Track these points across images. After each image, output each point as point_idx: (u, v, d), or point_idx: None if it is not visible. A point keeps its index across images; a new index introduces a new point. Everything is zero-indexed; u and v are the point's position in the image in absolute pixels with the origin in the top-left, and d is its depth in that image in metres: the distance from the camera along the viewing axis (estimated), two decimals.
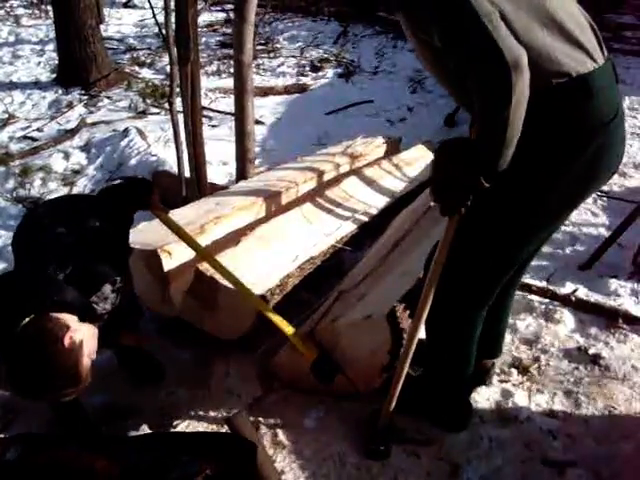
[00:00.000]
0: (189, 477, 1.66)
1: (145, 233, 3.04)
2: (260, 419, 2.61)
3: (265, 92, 7.06)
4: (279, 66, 7.97)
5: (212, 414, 2.62)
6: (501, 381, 2.88)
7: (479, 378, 2.76)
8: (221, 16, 9.85)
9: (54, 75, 7.41)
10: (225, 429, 2.39)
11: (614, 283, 3.56)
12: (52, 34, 7.74)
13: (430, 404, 2.59)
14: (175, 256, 2.94)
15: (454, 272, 2.11)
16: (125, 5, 10.63)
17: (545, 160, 1.90)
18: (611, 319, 3.27)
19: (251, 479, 1.88)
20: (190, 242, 2.55)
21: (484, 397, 2.78)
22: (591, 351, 3.06)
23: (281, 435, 2.53)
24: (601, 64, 1.88)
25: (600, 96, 1.85)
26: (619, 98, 1.98)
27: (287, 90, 7.22)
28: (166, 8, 3.64)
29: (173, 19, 3.61)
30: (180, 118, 3.92)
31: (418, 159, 4.85)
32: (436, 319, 2.26)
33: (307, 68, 7.90)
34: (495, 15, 1.66)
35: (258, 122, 6.01)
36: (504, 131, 1.70)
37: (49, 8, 8.30)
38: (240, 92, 3.81)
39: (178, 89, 3.82)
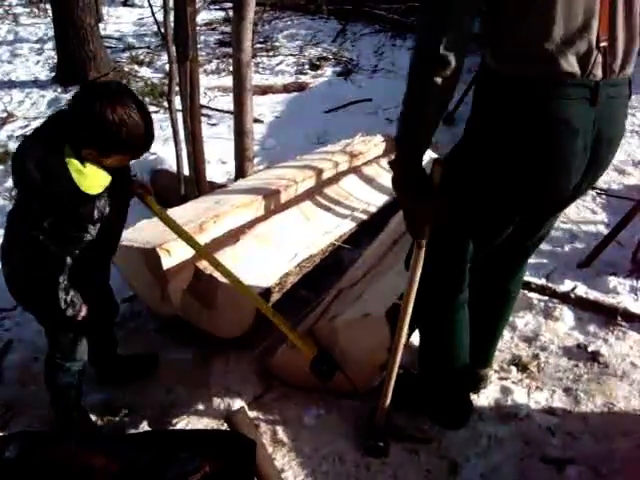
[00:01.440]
0: (188, 474, 1.66)
1: (144, 231, 3.04)
2: (260, 417, 2.61)
3: (264, 91, 7.05)
4: (278, 64, 7.95)
5: (211, 412, 2.62)
6: (500, 378, 2.88)
7: (474, 386, 2.76)
8: (220, 15, 9.82)
9: (53, 74, 7.40)
10: (225, 426, 2.39)
11: (613, 280, 3.56)
12: (51, 33, 7.73)
13: (428, 402, 2.59)
14: (174, 254, 2.94)
15: (429, 251, 2.09)
16: (124, 4, 10.60)
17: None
18: (610, 316, 3.27)
19: (250, 476, 1.87)
20: (184, 236, 2.54)
21: (483, 395, 2.78)
22: (590, 348, 3.07)
23: (281, 433, 2.53)
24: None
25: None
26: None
27: (286, 88, 7.20)
28: (165, 7, 3.63)
29: (172, 18, 3.61)
30: (179, 116, 3.91)
31: None
32: (420, 309, 2.26)
33: (306, 66, 7.88)
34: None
35: (257, 120, 6.00)
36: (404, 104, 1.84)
37: (48, 7, 8.28)
38: (239, 91, 3.81)
39: (177, 88, 3.82)
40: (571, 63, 1.76)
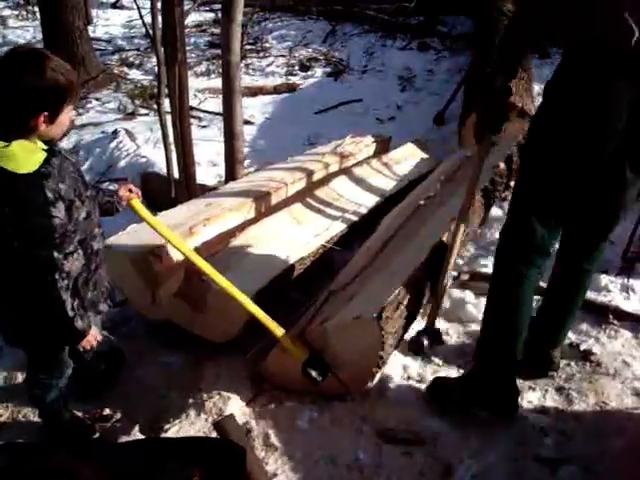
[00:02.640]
0: None
1: (134, 236, 3.02)
2: (252, 421, 2.60)
3: (254, 92, 7.06)
4: (268, 66, 7.96)
5: (204, 417, 2.59)
6: None
7: (541, 369, 2.91)
8: (210, 16, 9.81)
9: None
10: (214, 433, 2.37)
11: (604, 279, 3.56)
12: (39, 36, 7.69)
13: (480, 390, 2.63)
14: (164, 259, 2.92)
15: (503, 230, 2.63)
16: (113, 6, 10.58)
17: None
18: (602, 315, 3.28)
19: None
20: (173, 240, 2.52)
21: None
22: (582, 347, 3.07)
23: (273, 437, 2.52)
24: None
25: None
26: None
27: (276, 90, 7.22)
28: (153, 9, 3.63)
29: (160, 20, 3.60)
30: (169, 119, 3.90)
31: (407, 157, 4.85)
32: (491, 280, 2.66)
33: (296, 67, 7.90)
34: None
35: (247, 122, 6.00)
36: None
37: (36, 9, 8.25)
38: (228, 93, 3.80)
39: (166, 90, 3.81)
40: None
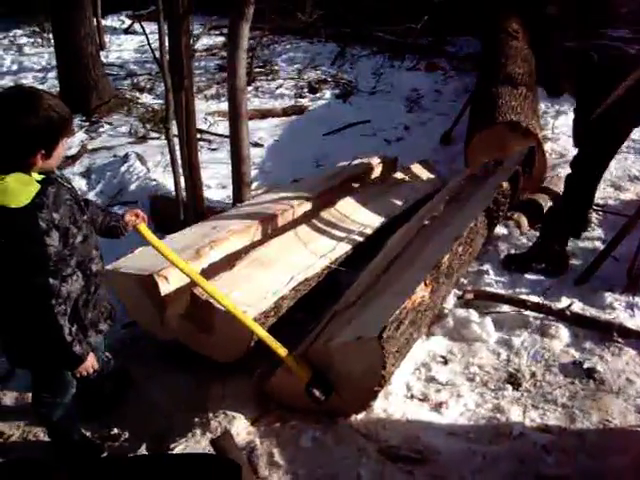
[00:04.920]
0: None
1: (141, 258, 3.08)
2: (256, 440, 2.63)
3: (263, 114, 7.14)
4: (277, 88, 8.05)
5: (209, 436, 2.63)
6: (496, 397, 2.90)
7: (585, 225, 4.28)
8: (220, 40, 9.97)
9: None
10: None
11: (609, 297, 3.58)
12: (54, 62, 7.86)
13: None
14: (171, 280, 2.98)
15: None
16: (126, 31, 10.78)
17: None
18: (606, 333, 3.29)
19: None
20: (178, 264, 2.58)
21: (478, 415, 2.81)
22: (586, 365, 3.09)
23: (277, 456, 2.55)
24: None
25: None
26: None
27: (285, 112, 7.28)
28: (160, 37, 3.71)
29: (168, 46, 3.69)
30: (177, 143, 3.98)
31: (414, 178, 4.90)
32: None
33: (305, 90, 7.97)
34: None
35: (257, 144, 6.08)
36: None
37: (51, 36, 8.43)
38: (235, 117, 3.88)
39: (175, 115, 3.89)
40: None
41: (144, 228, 2.53)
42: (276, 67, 8.77)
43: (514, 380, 3.01)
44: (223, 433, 2.31)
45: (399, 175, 4.88)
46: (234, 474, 1.86)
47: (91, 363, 2.29)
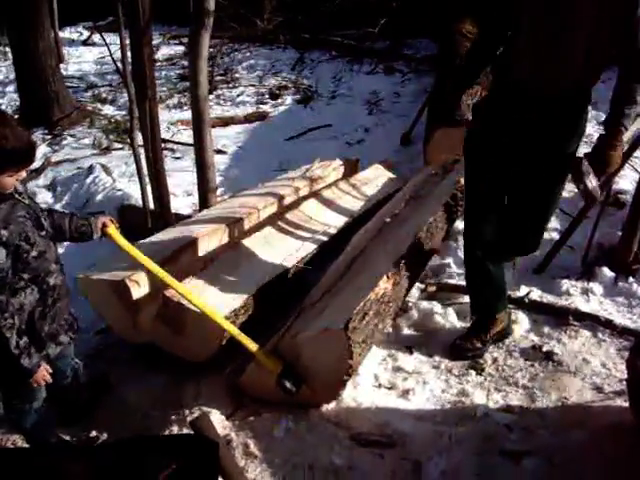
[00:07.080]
0: (158, 472, 1.79)
1: (112, 263, 3.14)
2: (232, 433, 2.72)
3: (226, 122, 7.21)
4: (239, 95, 8.13)
5: (186, 432, 2.71)
6: (460, 383, 3.04)
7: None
8: (179, 49, 10.01)
9: (16, 116, 7.45)
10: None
11: (566, 284, 3.76)
12: (12, 75, 7.85)
13: None
14: (143, 285, 3.05)
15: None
16: (84, 43, 10.75)
17: None
18: (562, 317, 3.46)
19: (214, 473, 2.01)
20: (150, 267, 2.66)
21: (444, 399, 2.94)
22: (545, 348, 3.25)
23: (252, 446, 2.64)
24: None
25: None
26: None
27: (247, 119, 7.37)
28: (122, 48, 3.79)
29: (130, 56, 3.75)
30: (142, 152, 4.04)
31: (375, 178, 5.03)
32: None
33: (266, 96, 8.06)
34: None
35: (220, 152, 6.15)
36: None
37: (7, 50, 8.39)
38: (198, 125, 3.94)
39: (139, 124, 3.95)
40: None
41: (114, 232, 2.60)
42: (237, 75, 8.85)
43: (477, 365, 3.15)
44: (201, 415, 2.39)
45: (360, 176, 5.00)
46: (212, 450, 1.96)
47: (42, 375, 2.33)
